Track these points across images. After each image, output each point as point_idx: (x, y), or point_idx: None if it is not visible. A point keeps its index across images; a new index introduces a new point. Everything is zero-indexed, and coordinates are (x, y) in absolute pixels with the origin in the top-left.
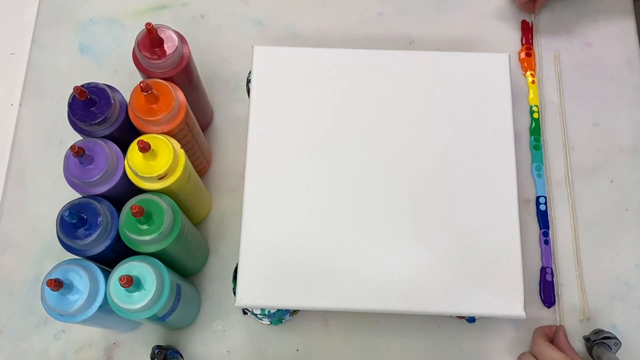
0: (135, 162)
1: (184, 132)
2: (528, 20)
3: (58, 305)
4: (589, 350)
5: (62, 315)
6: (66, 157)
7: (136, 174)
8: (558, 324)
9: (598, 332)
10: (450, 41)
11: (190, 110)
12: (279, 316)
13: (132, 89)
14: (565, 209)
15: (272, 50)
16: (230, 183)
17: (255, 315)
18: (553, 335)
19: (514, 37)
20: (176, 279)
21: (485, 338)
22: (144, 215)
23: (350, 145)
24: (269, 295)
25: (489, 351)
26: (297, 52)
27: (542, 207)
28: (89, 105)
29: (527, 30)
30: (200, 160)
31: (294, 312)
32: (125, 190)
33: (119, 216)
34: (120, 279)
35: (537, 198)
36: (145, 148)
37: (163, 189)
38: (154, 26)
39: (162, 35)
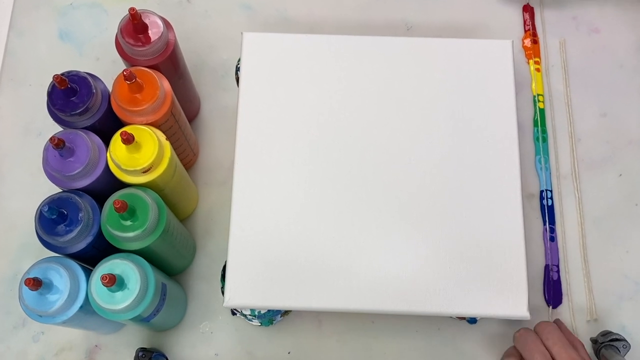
0: (118, 154)
1: (169, 123)
2: (532, 4)
3: (37, 305)
4: (597, 352)
5: (41, 316)
6: (45, 149)
7: (119, 167)
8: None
9: (606, 333)
10: (450, 27)
11: (176, 100)
12: (269, 317)
13: (114, 78)
14: (572, 204)
15: (262, 37)
16: (219, 176)
17: (245, 316)
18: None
19: (517, 23)
20: (161, 278)
21: (487, 340)
22: (127, 211)
23: (345, 136)
24: (259, 295)
25: (491, 354)
26: (289, 39)
27: (547, 202)
28: (69, 94)
29: (531, 16)
30: (186, 153)
31: (286, 312)
32: (107, 184)
33: (101, 212)
34: (102, 278)
35: (541, 192)
36: (128, 140)
37: (147, 182)
38: (138, 11)
39: (147, 21)
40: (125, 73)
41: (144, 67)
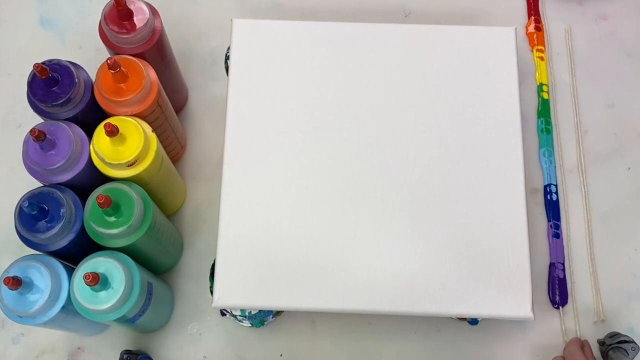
0: (101, 147)
1: (155, 114)
2: None
3: (16, 305)
4: (604, 355)
5: (20, 317)
6: (25, 141)
7: (103, 161)
8: (574, 330)
9: (614, 335)
10: (450, 13)
11: (162, 90)
12: (260, 318)
13: (98, 67)
14: (577, 199)
15: (253, 24)
16: (207, 170)
17: (235, 316)
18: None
19: (521, 9)
20: (147, 277)
21: (489, 342)
22: (111, 206)
23: (340, 129)
24: (250, 294)
25: (493, 356)
26: (281, 26)
27: (551, 197)
28: (50, 84)
29: (535, 1)
30: (173, 145)
31: (278, 313)
32: (90, 179)
33: (83, 207)
34: (85, 277)
35: (546, 187)
36: (112, 132)
37: (133, 177)
38: None
39: (132, 7)
40: (109, 62)
41: (129, 56)
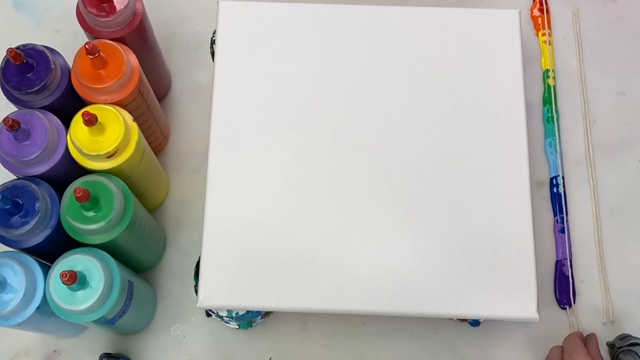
0: (79, 137)
1: (136, 103)
2: None
3: None
4: (614, 358)
5: None
6: None
7: (81, 152)
8: (580, 330)
9: (624, 337)
10: None
11: (144, 77)
12: (248, 319)
13: (75, 52)
14: (586, 192)
15: (240, 6)
16: (192, 162)
17: (221, 317)
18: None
19: None
20: (128, 275)
21: (491, 344)
22: (89, 200)
23: (333, 118)
24: (237, 294)
25: (495, 359)
26: (270, 8)
27: (558, 190)
28: (25, 70)
29: None
30: (156, 136)
31: (266, 314)
32: (67, 171)
33: (60, 201)
34: (62, 275)
35: (552, 179)
36: (91, 121)
37: (112, 169)
38: None
39: None
40: (87, 47)
41: (109, 40)
